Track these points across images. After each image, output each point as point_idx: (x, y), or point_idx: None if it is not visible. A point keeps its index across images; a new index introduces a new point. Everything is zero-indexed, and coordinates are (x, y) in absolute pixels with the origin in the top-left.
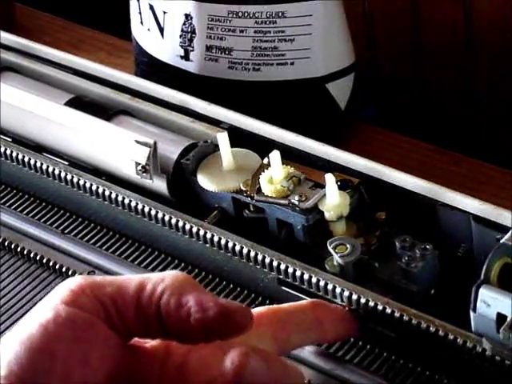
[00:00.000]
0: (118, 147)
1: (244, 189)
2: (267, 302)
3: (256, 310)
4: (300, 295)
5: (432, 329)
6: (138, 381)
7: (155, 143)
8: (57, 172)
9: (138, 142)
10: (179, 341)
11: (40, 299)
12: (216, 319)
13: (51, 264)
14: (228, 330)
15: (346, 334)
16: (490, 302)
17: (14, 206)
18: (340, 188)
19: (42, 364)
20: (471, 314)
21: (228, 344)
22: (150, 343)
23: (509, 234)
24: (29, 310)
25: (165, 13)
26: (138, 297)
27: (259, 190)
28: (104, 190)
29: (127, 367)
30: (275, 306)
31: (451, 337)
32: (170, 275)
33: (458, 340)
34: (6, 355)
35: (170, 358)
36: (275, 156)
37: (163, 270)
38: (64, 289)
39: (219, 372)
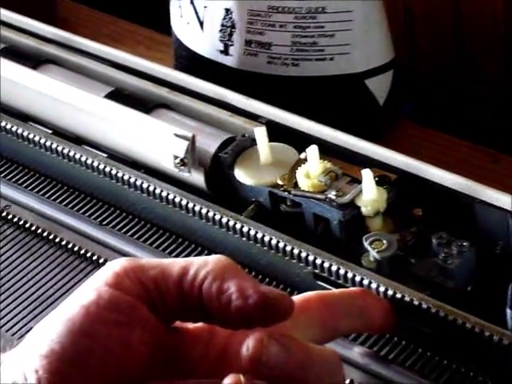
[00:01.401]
0: (157, 140)
1: (281, 183)
2: None
3: (305, 295)
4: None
5: (468, 325)
6: (179, 361)
7: (194, 137)
8: (96, 164)
9: (176, 135)
10: (220, 325)
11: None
12: (256, 307)
13: (89, 255)
14: (268, 318)
15: (390, 325)
16: None
17: (53, 198)
18: (377, 184)
19: (82, 345)
20: (507, 311)
21: (271, 330)
22: (193, 325)
23: None
24: None
25: (205, 7)
26: (181, 281)
27: (296, 185)
28: (142, 183)
29: (168, 348)
30: (324, 291)
31: (487, 334)
32: (213, 260)
33: (494, 337)
34: (48, 334)
35: (214, 340)
36: (313, 151)
37: None
38: (108, 271)
39: None
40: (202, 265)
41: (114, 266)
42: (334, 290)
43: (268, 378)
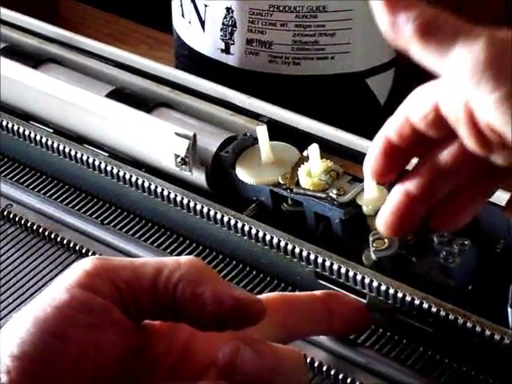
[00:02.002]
0: (158, 139)
1: (282, 182)
2: None
3: (268, 295)
4: (337, 289)
5: (469, 324)
6: (145, 356)
7: (195, 135)
8: (97, 163)
9: (177, 134)
10: (191, 326)
11: None
12: (230, 312)
13: (90, 254)
14: (240, 322)
15: (356, 328)
16: None
17: (54, 197)
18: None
19: (55, 347)
20: (509, 310)
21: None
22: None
23: None
24: None
25: (206, 6)
26: (154, 283)
27: (297, 184)
28: (143, 182)
29: (137, 346)
30: (288, 293)
31: (488, 332)
32: (185, 262)
33: (495, 336)
34: (20, 334)
35: (177, 335)
36: (314, 149)
37: None
38: (79, 270)
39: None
40: (175, 267)
41: (85, 265)
42: (297, 293)
43: (241, 383)
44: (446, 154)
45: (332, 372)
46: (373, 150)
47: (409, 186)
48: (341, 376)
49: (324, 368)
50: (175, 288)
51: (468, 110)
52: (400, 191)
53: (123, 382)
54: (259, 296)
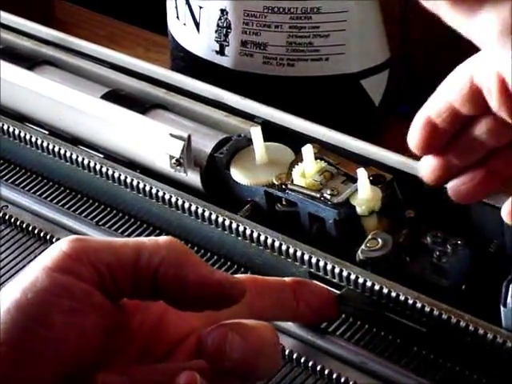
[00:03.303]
0: (153, 140)
1: (276, 183)
2: None
3: (241, 277)
4: (331, 289)
5: (462, 324)
6: (122, 334)
7: (189, 137)
8: (92, 165)
9: (172, 135)
10: (171, 305)
11: None
12: (213, 295)
13: None
14: (221, 304)
15: (324, 317)
16: None
17: (49, 198)
18: (372, 183)
19: (39, 333)
20: (502, 309)
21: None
22: None
23: None
24: None
25: (201, 8)
26: (135, 265)
27: (292, 184)
28: (138, 183)
29: (115, 325)
30: (259, 276)
31: (481, 332)
32: (165, 243)
33: (488, 335)
34: (2, 319)
35: (151, 309)
36: (308, 150)
37: None
38: (59, 253)
39: (192, 329)
40: (155, 249)
41: (64, 247)
42: (268, 278)
43: (227, 368)
44: (482, 129)
45: (326, 372)
46: (414, 128)
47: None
48: (334, 375)
49: (318, 368)
50: (156, 270)
51: (499, 77)
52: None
53: (101, 361)
54: (235, 276)
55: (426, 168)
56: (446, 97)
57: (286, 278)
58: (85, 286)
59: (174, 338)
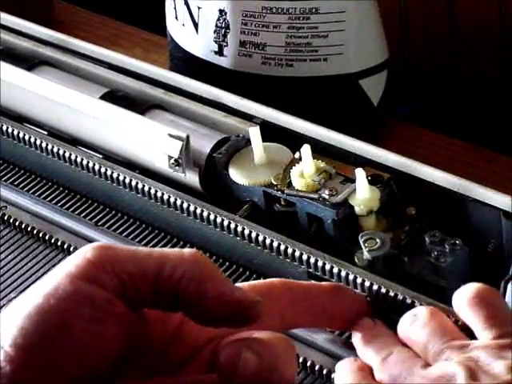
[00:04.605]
0: (152, 141)
1: (275, 183)
2: None
3: (271, 281)
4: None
5: (460, 323)
6: (142, 343)
7: (188, 137)
8: (91, 165)
9: (171, 135)
10: (189, 318)
11: None
12: (230, 314)
13: None
14: (238, 323)
15: (357, 325)
16: None
17: (48, 199)
18: (370, 183)
19: (58, 340)
20: None
21: None
22: None
23: None
24: None
25: (199, 8)
26: (157, 277)
27: (290, 185)
28: (137, 183)
29: (135, 335)
30: (291, 280)
31: None
32: (189, 257)
33: None
34: (23, 324)
35: (170, 318)
36: (306, 150)
37: None
38: (83, 260)
39: (212, 337)
40: (178, 262)
41: (89, 255)
42: (302, 282)
43: None
44: None
45: (325, 371)
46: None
47: None
48: (333, 375)
49: (316, 367)
50: (178, 283)
51: None
52: None
53: (120, 369)
54: (262, 281)
55: None
56: None
57: (322, 283)
58: (107, 295)
59: (193, 347)
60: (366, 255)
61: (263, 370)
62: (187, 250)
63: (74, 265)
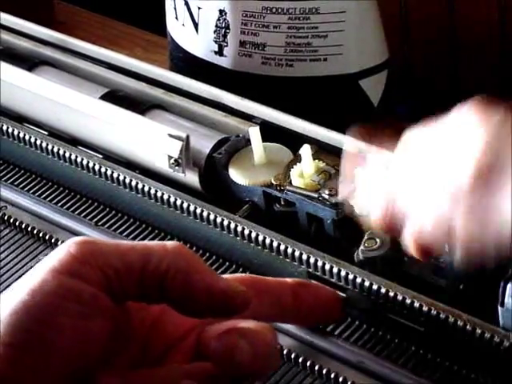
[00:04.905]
0: (152, 141)
1: (275, 183)
2: None
3: (237, 276)
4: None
5: (460, 323)
6: (124, 333)
7: (188, 137)
8: (91, 165)
9: (170, 135)
10: (175, 309)
11: None
12: (216, 304)
13: None
14: (224, 313)
15: (327, 319)
16: None
17: (49, 198)
18: None
19: (45, 335)
20: (499, 308)
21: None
22: None
23: None
24: None
25: (199, 8)
26: (142, 270)
27: (290, 184)
28: (137, 183)
29: (119, 328)
30: (258, 276)
31: (479, 331)
32: (172, 249)
33: (486, 334)
34: (9, 321)
35: (151, 307)
36: (306, 150)
37: None
38: (66, 255)
39: (192, 327)
40: (162, 254)
41: (72, 249)
42: (268, 278)
43: (233, 373)
44: None
45: (324, 371)
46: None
47: None
48: (332, 375)
49: (316, 367)
50: (164, 275)
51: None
52: None
53: (105, 362)
54: (232, 275)
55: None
56: None
57: (288, 279)
58: (92, 289)
59: (174, 336)
60: (366, 255)
61: (257, 358)
62: (170, 243)
63: (58, 260)
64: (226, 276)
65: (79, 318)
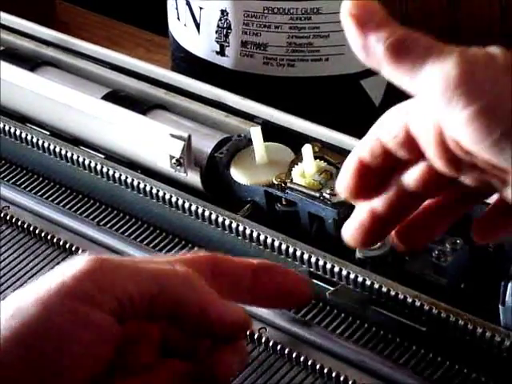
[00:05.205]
0: (153, 141)
1: (276, 182)
2: None
3: (200, 255)
4: (331, 288)
5: (461, 322)
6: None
7: (189, 137)
8: (93, 165)
9: (172, 135)
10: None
11: None
12: (228, 335)
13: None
14: (230, 341)
15: (291, 302)
16: None
17: (51, 198)
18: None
19: (58, 363)
20: (500, 308)
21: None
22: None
23: None
24: None
25: (201, 8)
26: (156, 298)
27: (291, 184)
28: (139, 183)
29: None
30: (221, 255)
31: (480, 330)
32: (184, 276)
33: (487, 334)
34: (27, 339)
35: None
36: (307, 150)
37: None
38: (83, 276)
39: None
40: (174, 283)
41: (91, 270)
42: (231, 258)
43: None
44: (414, 175)
45: (325, 370)
46: (346, 169)
47: (375, 204)
48: (334, 374)
49: (317, 366)
50: (176, 304)
51: (437, 130)
52: (366, 209)
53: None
54: (190, 254)
55: (353, 226)
56: (381, 140)
57: (253, 261)
58: (106, 317)
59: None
60: (367, 254)
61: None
62: (179, 269)
63: (74, 278)
64: (186, 254)
65: (88, 345)
